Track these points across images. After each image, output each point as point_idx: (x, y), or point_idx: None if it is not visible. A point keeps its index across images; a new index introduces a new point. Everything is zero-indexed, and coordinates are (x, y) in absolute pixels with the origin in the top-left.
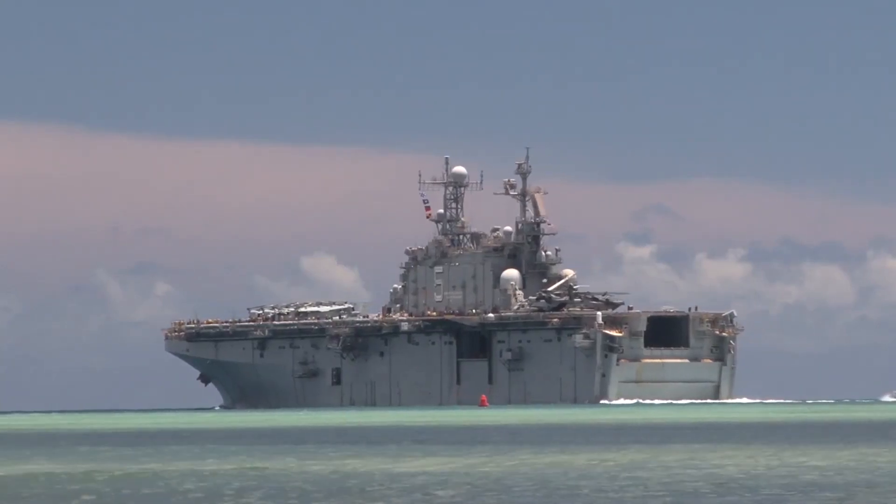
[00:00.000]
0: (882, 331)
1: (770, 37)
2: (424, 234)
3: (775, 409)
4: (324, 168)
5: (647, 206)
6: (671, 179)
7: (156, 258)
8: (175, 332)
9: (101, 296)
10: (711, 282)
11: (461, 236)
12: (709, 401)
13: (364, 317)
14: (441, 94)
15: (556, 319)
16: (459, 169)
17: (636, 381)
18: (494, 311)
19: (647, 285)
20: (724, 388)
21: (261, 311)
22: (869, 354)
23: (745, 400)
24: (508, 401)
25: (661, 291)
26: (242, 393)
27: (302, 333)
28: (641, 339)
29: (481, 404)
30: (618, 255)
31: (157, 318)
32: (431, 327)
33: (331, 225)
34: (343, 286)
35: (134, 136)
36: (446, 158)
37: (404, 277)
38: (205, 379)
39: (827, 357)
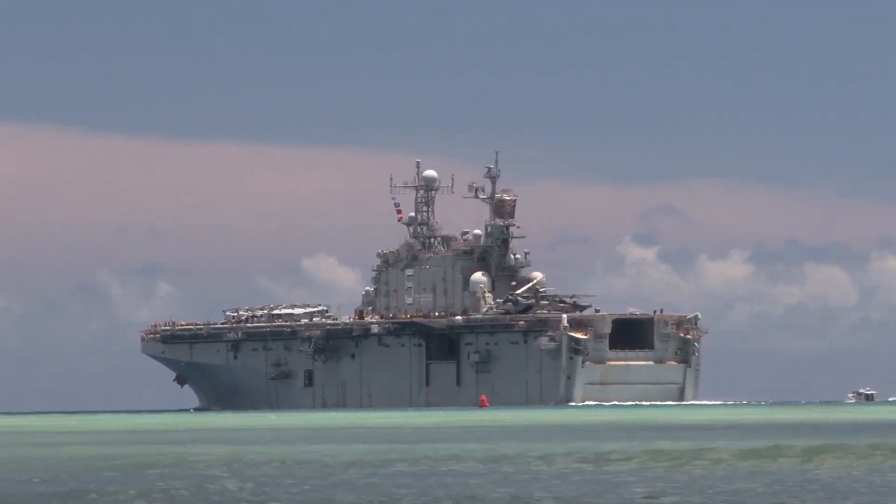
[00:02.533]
0: (884, 332)
1: (775, 37)
2: (396, 236)
3: (724, 410)
4: (324, 168)
5: (650, 208)
6: (675, 181)
7: (157, 259)
8: (151, 334)
9: (103, 296)
10: (714, 283)
11: (432, 239)
12: (672, 402)
13: (334, 319)
14: (425, 92)
15: (522, 322)
16: (430, 172)
17: (601, 384)
18: (464, 313)
19: (650, 286)
20: (688, 390)
21: (235, 313)
22: (870, 355)
23: (710, 402)
24: (476, 402)
25: (664, 293)
26: (217, 394)
27: (274, 335)
28: (606, 342)
29: (481, 405)
30: (620, 257)
31: (159, 318)
32: (401, 330)
33: (331, 225)
34: (343, 286)
35: (134, 137)
36: (417, 162)
37: (376, 280)
38: (181, 380)
39: (827, 357)
